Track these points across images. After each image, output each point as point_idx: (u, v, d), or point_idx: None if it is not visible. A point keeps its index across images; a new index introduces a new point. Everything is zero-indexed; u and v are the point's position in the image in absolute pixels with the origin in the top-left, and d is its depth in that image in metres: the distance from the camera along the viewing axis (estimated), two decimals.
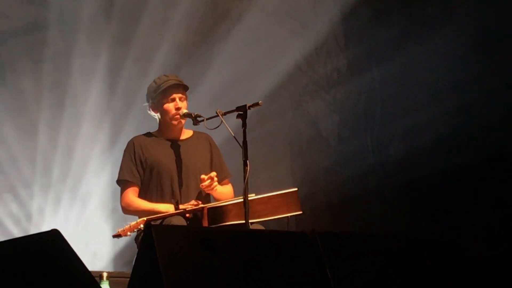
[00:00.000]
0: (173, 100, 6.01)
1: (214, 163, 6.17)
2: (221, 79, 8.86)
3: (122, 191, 6.00)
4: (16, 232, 8.27)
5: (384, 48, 8.78)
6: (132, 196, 5.95)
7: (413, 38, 8.55)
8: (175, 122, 6.03)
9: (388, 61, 8.74)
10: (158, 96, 6.03)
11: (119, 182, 6.03)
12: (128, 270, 7.10)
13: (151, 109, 6.12)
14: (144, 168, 6.00)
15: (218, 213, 5.57)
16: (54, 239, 3.89)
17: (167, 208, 5.77)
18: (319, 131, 9.11)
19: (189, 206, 5.70)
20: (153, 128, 6.20)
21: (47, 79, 8.70)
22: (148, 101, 6.12)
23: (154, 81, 6.11)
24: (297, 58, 9.07)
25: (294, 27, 9.09)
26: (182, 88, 6.06)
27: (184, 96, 6.07)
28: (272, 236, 4.33)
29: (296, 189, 5.79)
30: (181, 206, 5.69)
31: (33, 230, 8.24)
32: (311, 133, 9.13)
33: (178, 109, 5.99)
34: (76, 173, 8.70)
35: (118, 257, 8.55)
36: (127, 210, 5.96)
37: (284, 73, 8.99)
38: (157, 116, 6.10)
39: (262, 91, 8.73)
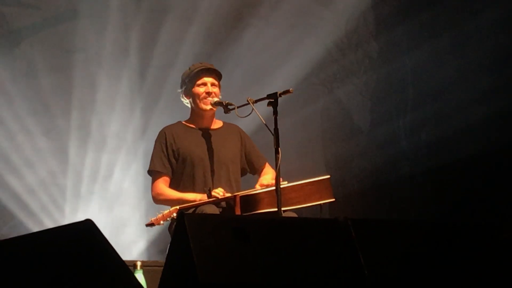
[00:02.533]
0: (205, 84, 6.00)
1: (249, 153, 6.17)
2: (251, 67, 8.85)
3: (153, 181, 6.02)
4: (49, 223, 8.32)
5: (415, 33, 8.74)
6: (163, 186, 5.96)
7: (444, 23, 8.50)
8: (204, 106, 5.99)
9: (419, 46, 8.71)
10: (190, 81, 6.02)
11: (150, 172, 6.04)
12: (162, 258, 7.12)
13: (183, 95, 6.11)
14: (176, 157, 5.99)
15: (251, 201, 5.56)
16: (87, 229, 3.90)
17: (195, 197, 5.76)
18: (350, 117, 9.09)
19: (221, 194, 5.69)
20: (183, 117, 6.20)
21: (78, 69, 8.73)
22: (181, 88, 6.12)
23: (189, 68, 6.12)
24: (328, 44, 9.04)
25: (324, 14, 9.06)
26: (215, 74, 6.05)
27: (216, 83, 6.04)
28: (304, 224, 4.32)
29: (328, 176, 5.77)
30: (213, 193, 5.69)
31: (66, 221, 8.29)
32: (342, 119, 9.12)
33: (208, 93, 5.98)
34: (108, 163, 8.73)
35: (152, 246, 8.58)
36: (158, 199, 5.98)
37: (315, 60, 8.97)
38: (189, 102, 6.09)
39: (293, 78, 8.71)
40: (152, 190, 6.01)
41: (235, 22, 9.06)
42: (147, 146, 8.00)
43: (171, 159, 6.00)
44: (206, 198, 5.67)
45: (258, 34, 8.97)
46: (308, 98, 9.01)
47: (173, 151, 6.00)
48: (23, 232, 8.07)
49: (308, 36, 8.98)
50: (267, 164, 6.18)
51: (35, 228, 8.13)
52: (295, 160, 8.23)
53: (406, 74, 8.87)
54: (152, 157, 6.04)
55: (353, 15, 9.01)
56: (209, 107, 5.98)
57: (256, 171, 6.17)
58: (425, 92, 8.70)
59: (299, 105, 8.81)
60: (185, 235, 3.82)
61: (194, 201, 5.71)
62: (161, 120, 7.86)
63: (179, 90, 6.13)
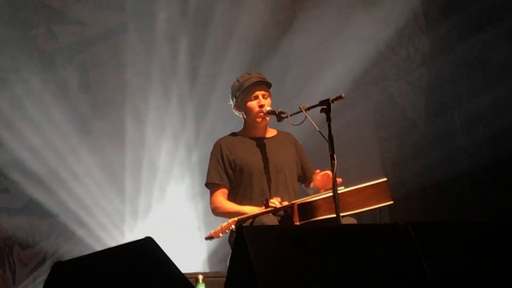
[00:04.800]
0: (256, 97, 5.98)
1: (303, 162, 6.14)
2: (302, 70, 8.84)
3: (211, 194, 6.01)
4: (109, 241, 8.41)
5: (465, 25, 8.65)
6: (221, 198, 5.95)
7: (494, 14, 8.40)
8: (259, 120, 5.99)
9: (471, 38, 8.61)
10: (241, 95, 6.00)
11: (207, 185, 6.05)
12: (222, 268, 7.14)
13: (235, 108, 6.10)
14: (233, 168, 5.98)
15: (309, 208, 5.53)
16: (148, 246, 3.94)
17: (253, 209, 5.73)
18: (405, 114, 9.03)
19: (278, 203, 5.67)
20: (235, 126, 6.20)
21: (128, 83, 8.81)
22: (232, 100, 6.12)
23: (237, 80, 6.08)
24: (378, 43, 8.99)
25: (373, 12, 9.01)
26: (265, 85, 6.02)
27: (267, 93, 6.02)
28: (364, 230, 4.30)
29: (385, 179, 5.71)
30: (270, 203, 5.67)
31: (125, 239, 8.37)
32: (397, 117, 9.06)
33: (261, 106, 5.95)
34: (163, 176, 8.78)
35: (213, 256, 8.61)
36: (217, 212, 5.98)
37: (367, 59, 8.93)
38: (241, 114, 6.09)
39: (345, 79, 8.67)
40: (211, 203, 6.01)
41: (284, 27, 9.06)
42: (200, 157, 8.04)
43: (228, 170, 5.99)
44: (264, 209, 5.66)
45: (306, 37, 8.95)
46: (361, 98, 8.96)
47: (229, 162, 5.99)
48: (83, 248, 8.19)
49: (358, 36, 8.94)
50: None
51: (98, 247, 8.21)
52: (352, 161, 8.18)
53: (459, 67, 8.78)
54: (208, 170, 6.05)
55: (402, 12, 8.94)
56: (262, 119, 5.98)
57: (306, 181, 6.14)
58: (480, 84, 8.60)
59: (352, 106, 8.74)
60: (244, 248, 3.83)
61: (253, 213, 5.70)
62: (213, 130, 7.89)
63: (230, 103, 6.13)
